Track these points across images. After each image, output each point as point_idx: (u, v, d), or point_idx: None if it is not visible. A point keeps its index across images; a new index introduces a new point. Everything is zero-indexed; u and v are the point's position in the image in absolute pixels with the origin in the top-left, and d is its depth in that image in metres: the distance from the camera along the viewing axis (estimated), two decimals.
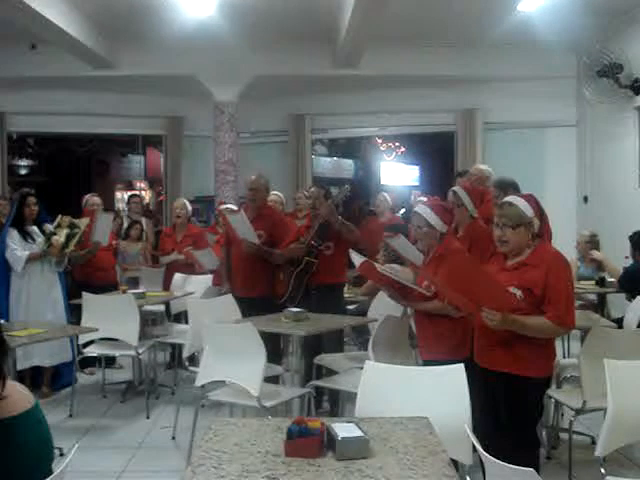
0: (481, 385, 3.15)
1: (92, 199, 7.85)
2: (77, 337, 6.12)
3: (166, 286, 7.81)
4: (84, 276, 7.41)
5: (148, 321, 7.85)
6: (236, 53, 9.69)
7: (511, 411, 3.55)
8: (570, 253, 8.24)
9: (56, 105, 10.87)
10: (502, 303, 3.41)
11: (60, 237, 6.48)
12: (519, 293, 3.47)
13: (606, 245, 7.93)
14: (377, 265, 4.38)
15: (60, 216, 6.65)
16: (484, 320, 3.42)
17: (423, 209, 4.44)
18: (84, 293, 6.27)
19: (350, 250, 4.87)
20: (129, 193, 14.16)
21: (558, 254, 3.65)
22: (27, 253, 6.48)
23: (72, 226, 6.56)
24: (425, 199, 7.12)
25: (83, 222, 6.73)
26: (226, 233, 6.68)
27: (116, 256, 8.15)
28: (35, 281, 6.60)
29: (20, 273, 6.51)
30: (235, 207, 7.91)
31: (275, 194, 7.72)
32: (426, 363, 4.20)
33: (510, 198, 3.74)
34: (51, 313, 6.53)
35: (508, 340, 3.49)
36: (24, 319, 6.09)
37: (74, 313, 6.70)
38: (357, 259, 4.57)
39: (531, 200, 3.71)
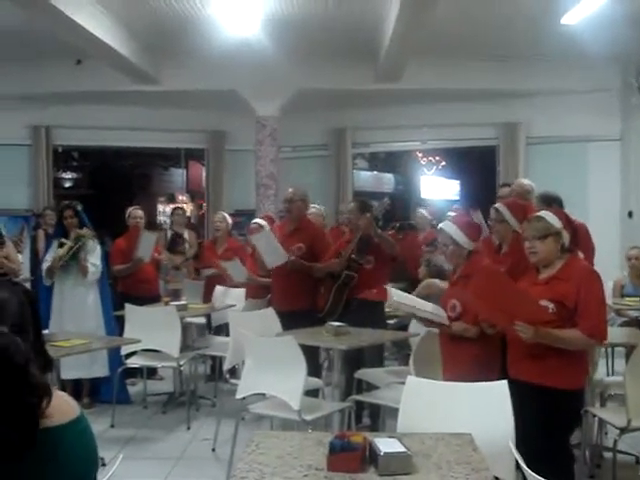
0: (513, 398, 3.13)
1: (135, 212, 7.90)
2: (120, 349, 6.17)
3: (206, 298, 7.83)
4: (127, 288, 7.49)
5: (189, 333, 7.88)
6: (278, 68, 9.73)
7: (543, 423, 3.52)
8: (615, 268, 8.15)
9: (100, 119, 11.04)
10: (535, 316, 3.47)
11: (63, 249, 6.55)
12: (551, 306, 3.52)
13: None
14: (394, 294, 4.27)
15: (76, 230, 6.63)
16: (517, 333, 3.48)
17: (448, 226, 4.36)
18: (127, 305, 6.34)
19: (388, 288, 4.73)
20: (172, 206, 14.28)
21: (589, 267, 3.80)
22: (47, 264, 6.60)
23: (77, 239, 6.60)
24: (453, 214, 7.07)
25: (89, 234, 6.67)
26: None
27: (159, 269, 8.20)
28: (64, 293, 6.67)
29: (54, 284, 6.64)
30: (263, 222, 7.79)
31: (315, 207, 7.72)
32: None
33: (540, 213, 3.89)
34: (75, 326, 6.33)
35: (540, 352, 3.55)
36: (55, 331, 6.02)
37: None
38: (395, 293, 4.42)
39: (561, 215, 3.84)
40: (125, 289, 7.47)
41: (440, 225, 4.54)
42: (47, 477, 1.72)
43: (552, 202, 5.36)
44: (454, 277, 4.42)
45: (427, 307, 4.26)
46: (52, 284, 6.66)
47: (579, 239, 4.17)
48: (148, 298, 7.29)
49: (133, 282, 7.55)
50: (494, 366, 3.95)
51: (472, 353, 4.07)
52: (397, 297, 4.23)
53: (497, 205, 5.06)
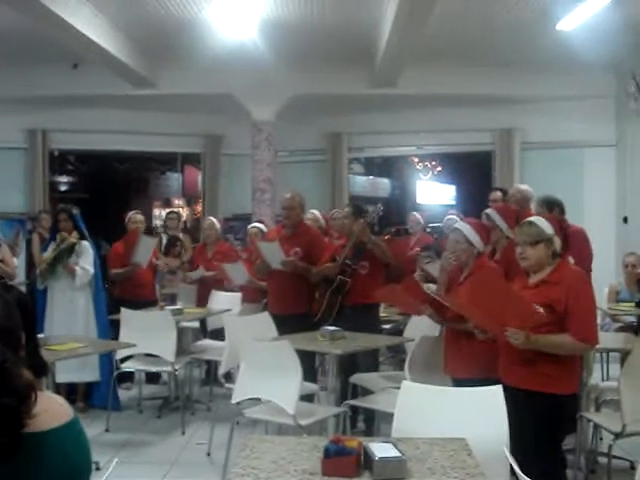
0: (507, 403, 3.14)
1: (135, 217, 7.85)
2: (115, 353, 6.16)
3: (199, 302, 7.82)
4: (124, 292, 7.45)
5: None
6: (274, 72, 9.75)
7: (536, 429, 3.52)
8: (610, 273, 8.16)
9: (97, 123, 11.04)
10: (528, 319, 3.46)
11: (49, 252, 6.55)
12: (541, 310, 3.50)
13: None
14: (425, 286, 4.35)
15: (62, 233, 6.61)
16: (508, 339, 3.48)
17: (463, 226, 4.45)
18: (122, 309, 6.32)
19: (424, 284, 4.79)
20: (167, 210, 14.27)
21: (579, 271, 3.76)
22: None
23: (61, 242, 6.59)
24: (453, 217, 7.12)
25: (72, 237, 6.60)
26: None
27: (155, 274, 8.15)
28: (55, 297, 6.64)
29: (47, 288, 6.63)
30: (261, 225, 7.93)
31: (312, 213, 7.73)
32: (457, 382, 4.15)
33: (532, 218, 3.87)
34: (64, 329, 6.25)
35: (532, 358, 3.54)
36: (48, 334, 5.92)
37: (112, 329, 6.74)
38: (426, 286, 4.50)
39: (553, 221, 3.83)
40: (122, 293, 7.43)
41: (455, 225, 4.62)
42: None
43: (553, 206, 5.37)
44: (461, 278, 4.43)
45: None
46: (46, 287, 6.65)
47: (575, 244, 4.19)
48: (145, 303, 7.23)
49: (130, 287, 7.50)
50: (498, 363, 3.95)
51: (480, 349, 4.05)
52: (429, 290, 4.28)
53: (488, 211, 5.08)
